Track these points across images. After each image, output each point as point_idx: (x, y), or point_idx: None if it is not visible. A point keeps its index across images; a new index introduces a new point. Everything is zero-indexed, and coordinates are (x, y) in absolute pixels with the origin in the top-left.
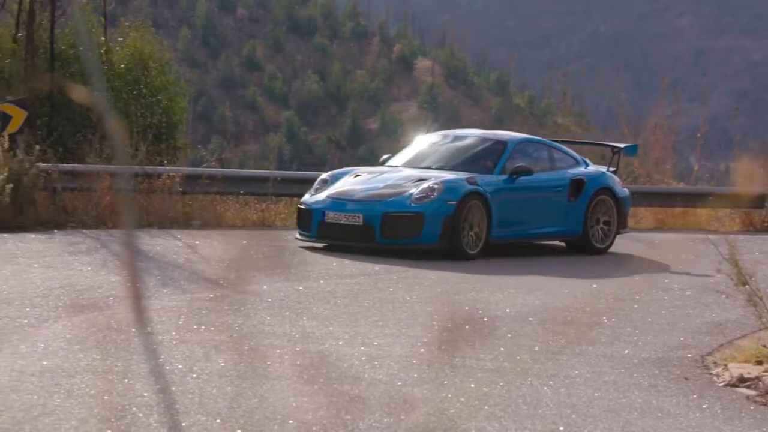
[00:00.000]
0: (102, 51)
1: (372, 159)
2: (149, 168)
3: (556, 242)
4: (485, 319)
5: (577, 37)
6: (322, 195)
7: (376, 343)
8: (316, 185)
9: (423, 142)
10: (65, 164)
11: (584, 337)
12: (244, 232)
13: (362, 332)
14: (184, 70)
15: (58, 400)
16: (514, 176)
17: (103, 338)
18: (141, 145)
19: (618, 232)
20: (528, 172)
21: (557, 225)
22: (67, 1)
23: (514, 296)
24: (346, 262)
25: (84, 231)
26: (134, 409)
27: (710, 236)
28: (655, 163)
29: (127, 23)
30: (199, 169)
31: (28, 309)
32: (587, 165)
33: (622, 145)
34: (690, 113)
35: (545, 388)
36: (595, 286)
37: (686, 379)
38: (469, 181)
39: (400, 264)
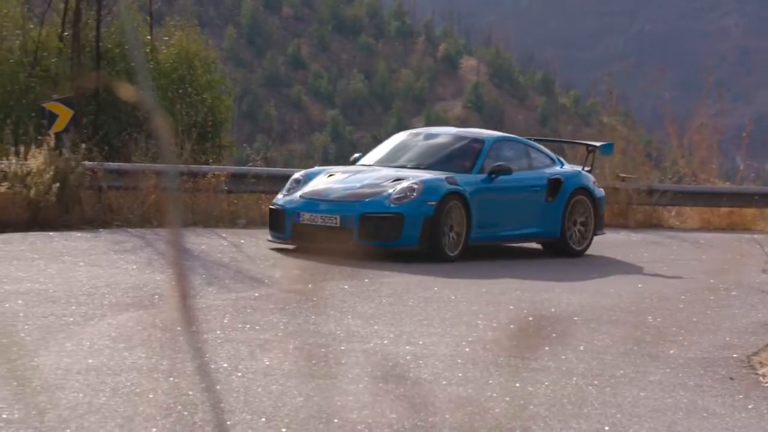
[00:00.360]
0: (148, 50)
1: None
2: (194, 167)
3: (529, 244)
4: (530, 319)
5: (623, 37)
6: (296, 195)
7: (421, 342)
8: (289, 185)
9: (395, 140)
10: (111, 163)
11: (629, 337)
12: None
13: (407, 331)
14: (229, 68)
15: (104, 398)
16: (493, 176)
17: (148, 336)
18: (186, 143)
19: (594, 234)
20: (508, 171)
21: (535, 226)
22: (113, 0)
23: (559, 296)
24: (388, 262)
25: (129, 229)
26: (179, 407)
27: (756, 236)
28: (700, 163)
29: (172, 22)
30: (245, 168)
31: (73, 307)
32: (562, 164)
33: (597, 144)
34: (735, 113)
35: (590, 387)
36: (640, 285)
37: (732, 379)
38: (448, 180)
39: (444, 262)
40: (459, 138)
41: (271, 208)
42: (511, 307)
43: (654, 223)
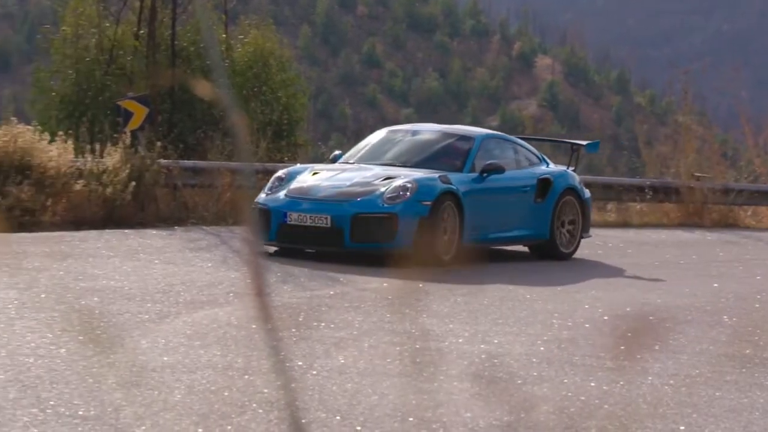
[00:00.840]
0: (223, 48)
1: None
2: (269, 165)
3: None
4: (605, 318)
5: (699, 36)
6: (281, 194)
7: (496, 341)
8: (271, 183)
9: (378, 137)
10: (186, 161)
11: (705, 337)
12: None
13: (482, 330)
14: (304, 67)
15: (179, 396)
16: (485, 175)
17: (223, 334)
18: (261, 141)
19: (581, 236)
20: (500, 170)
21: (525, 228)
22: None
23: (634, 295)
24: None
25: (204, 227)
26: (254, 405)
27: None
28: None
29: (247, 21)
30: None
31: (149, 305)
32: (548, 163)
33: (584, 142)
34: None
35: (666, 387)
36: (716, 285)
37: None
38: (442, 179)
39: (517, 261)
40: (446, 135)
41: (254, 208)
42: (587, 306)
43: (729, 223)
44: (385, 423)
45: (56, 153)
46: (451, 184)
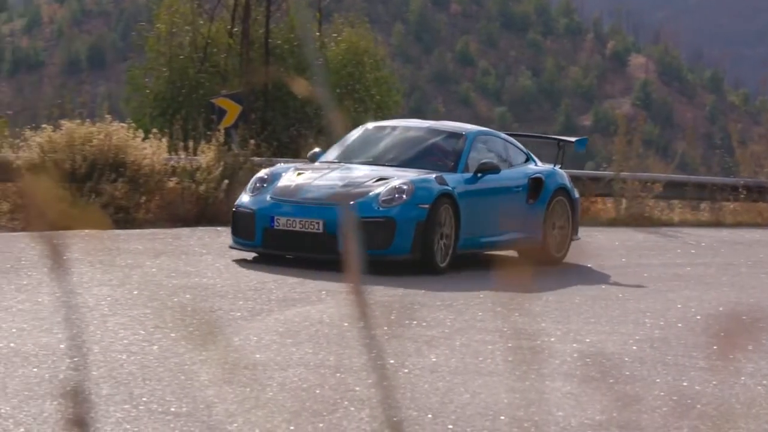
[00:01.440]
0: (317, 46)
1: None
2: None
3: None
4: (698, 317)
5: None
6: (265, 196)
7: (587, 340)
8: (253, 184)
9: (360, 134)
10: (279, 158)
11: None
12: None
13: (574, 329)
14: (397, 65)
15: (271, 393)
16: (479, 175)
17: (315, 332)
18: None
19: (571, 239)
20: (495, 169)
21: (517, 231)
22: None
23: (727, 294)
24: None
25: None
26: (346, 403)
27: None
28: None
29: (341, 19)
30: None
31: (241, 302)
32: (535, 161)
33: (573, 139)
34: None
35: (759, 387)
36: None
37: None
38: (438, 180)
39: (604, 260)
40: (436, 132)
41: (235, 211)
42: (679, 306)
43: None
44: (476, 422)
45: (150, 151)
46: (447, 185)
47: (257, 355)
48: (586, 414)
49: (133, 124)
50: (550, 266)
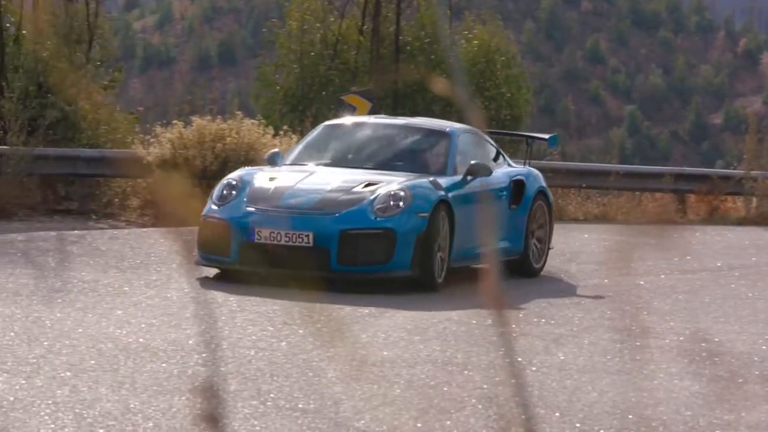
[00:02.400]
0: (448, 44)
1: (713, 156)
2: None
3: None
4: None
5: None
6: (240, 204)
7: (717, 339)
8: (220, 191)
9: (326, 132)
10: None
11: None
12: (586, 225)
13: (703, 328)
14: (527, 63)
15: (398, 391)
16: (469, 178)
17: (443, 329)
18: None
19: (548, 248)
20: (486, 172)
21: (503, 240)
22: None
23: None
24: (688, 257)
25: None
26: (473, 400)
27: None
28: None
29: (471, 17)
30: (542, 162)
31: (369, 299)
32: (507, 160)
33: (546, 136)
34: None
35: None
36: None
37: None
38: (434, 185)
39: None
40: (412, 129)
41: (203, 222)
42: None
43: None
44: (604, 420)
45: (281, 147)
46: (443, 190)
47: (385, 352)
48: (714, 413)
49: (263, 121)
50: (529, 278)
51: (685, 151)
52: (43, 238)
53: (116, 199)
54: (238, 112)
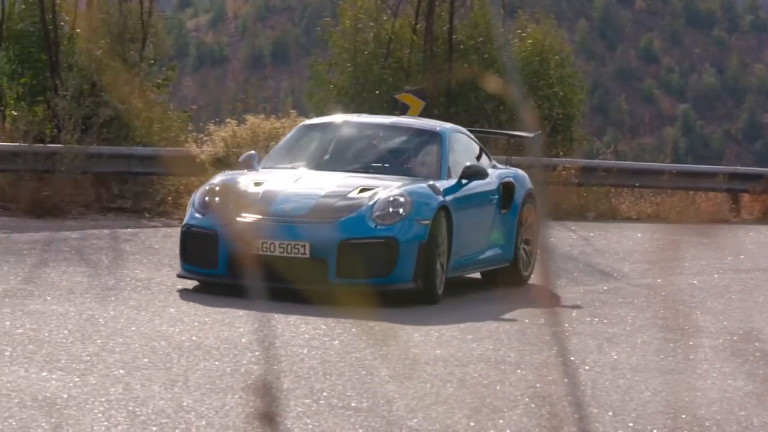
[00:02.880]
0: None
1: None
2: (545, 159)
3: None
4: None
5: None
6: (226, 212)
7: None
8: (203, 198)
9: (304, 133)
10: None
11: None
12: (639, 224)
13: (757, 328)
14: (580, 62)
15: (451, 389)
16: (464, 181)
17: (496, 328)
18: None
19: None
20: (482, 175)
21: (494, 247)
22: None
23: None
24: (742, 256)
25: None
26: (527, 399)
27: None
28: None
29: (525, 16)
30: (596, 161)
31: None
32: (490, 159)
33: (531, 134)
34: None
35: None
36: None
37: None
38: (434, 190)
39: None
40: (400, 129)
41: (186, 231)
42: None
43: None
44: (657, 420)
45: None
46: (442, 195)
47: (437, 351)
48: (767, 414)
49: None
50: (518, 287)
51: (738, 150)
52: (96, 236)
53: (169, 197)
54: (292, 111)
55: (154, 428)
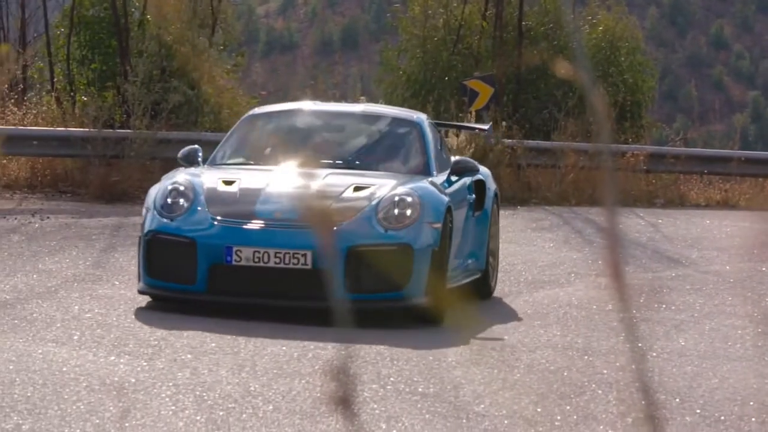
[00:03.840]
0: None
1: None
2: (614, 146)
3: None
4: None
5: None
6: (202, 216)
7: None
8: (165, 199)
9: (264, 125)
10: (530, 141)
11: None
12: (707, 211)
13: None
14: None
15: (518, 375)
16: (455, 179)
17: (563, 314)
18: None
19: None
20: (474, 170)
21: (472, 254)
22: None
23: None
24: None
25: (546, 207)
26: (594, 385)
27: None
28: None
29: (596, 3)
30: (664, 148)
31: (491, 284)
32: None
33: (485, 126)
34: None
35: None
36: None
37: None
38: (437, 188)
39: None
40: (371, 118)
41: (150, 240)
42: None
43: None
44: (724, 407)
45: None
46: (445, 194)
47: (505, 337)
48: None
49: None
50: (485, 300)
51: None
52: None
53: None
54: (362, 97)
55: (221, 413)
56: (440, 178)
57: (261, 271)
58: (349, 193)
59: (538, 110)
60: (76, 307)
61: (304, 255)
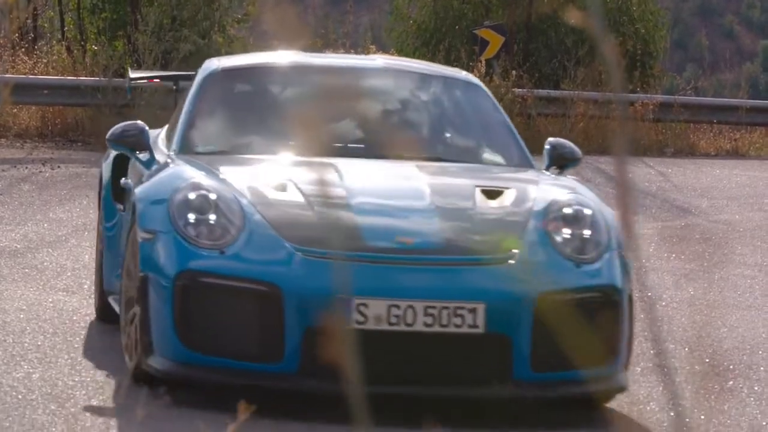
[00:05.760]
0: None
1: None
2: (624, 95)
3: None
4: None
5: None
6: (270, 239)
7: None
8: (185, 217)
9: (226, 87)
10: (540, 90)
11: None
12: (717, 160)
13: None
14: None
15: None
16: (557, 170)
17: None
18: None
19: None
20: (576, 158)
21: None
22: None
23: None
24: None
25: None
26: None
27: None
28: None
29: None
30: (673, 97)
31: None
32: None
33: None
34: None
35: None
36: None
37: None
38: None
39: None
40: (423, 77)
41: (190, 286)
42: None
43: None
44: (733, 356)
45: None
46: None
47: None
48: None
49: (396, 54)
50: None
51: None
52: None
53: None
54: (372, 46)
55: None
56: (548, 173)
57: (402, 339)
58: (482, 202)
59: (548, 59)
60: (87, 255)
61: (473, 310)
